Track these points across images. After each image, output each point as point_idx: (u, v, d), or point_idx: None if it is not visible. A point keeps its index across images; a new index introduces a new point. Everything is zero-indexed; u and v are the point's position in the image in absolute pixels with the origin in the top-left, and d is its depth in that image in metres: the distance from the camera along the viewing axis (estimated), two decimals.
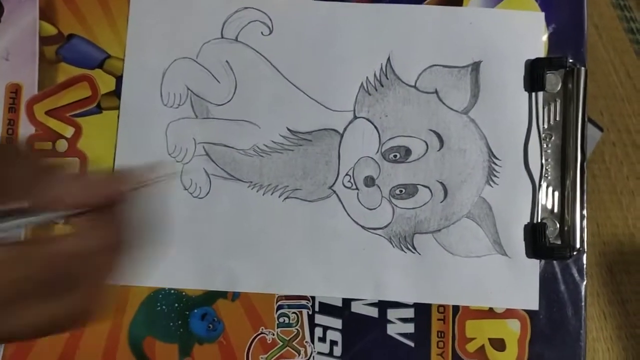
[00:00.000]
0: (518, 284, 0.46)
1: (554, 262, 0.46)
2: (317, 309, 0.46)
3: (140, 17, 0.49)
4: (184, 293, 0.46)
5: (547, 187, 0.47)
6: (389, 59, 0.48)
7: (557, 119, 0.47)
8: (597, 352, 0.78)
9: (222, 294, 0.46)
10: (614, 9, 0.88)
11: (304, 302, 0.46)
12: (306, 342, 0.46)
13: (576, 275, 0.47)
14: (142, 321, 0.46)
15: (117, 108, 0.48)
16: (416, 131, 0.47)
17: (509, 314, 0.46)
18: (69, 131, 0.48)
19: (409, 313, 0.46)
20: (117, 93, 0.48)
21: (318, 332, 0.46)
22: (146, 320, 0.46)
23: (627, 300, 0.79)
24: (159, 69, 0.48)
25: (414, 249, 0.47)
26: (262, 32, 0.48)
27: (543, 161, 0.47)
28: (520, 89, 0.47)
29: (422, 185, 0.47)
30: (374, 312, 0.46)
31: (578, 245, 0.46)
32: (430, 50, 0.48)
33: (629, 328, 0.79)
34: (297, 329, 0.46)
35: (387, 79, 0.48)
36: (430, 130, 0.47)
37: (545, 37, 0.48)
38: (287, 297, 0.46)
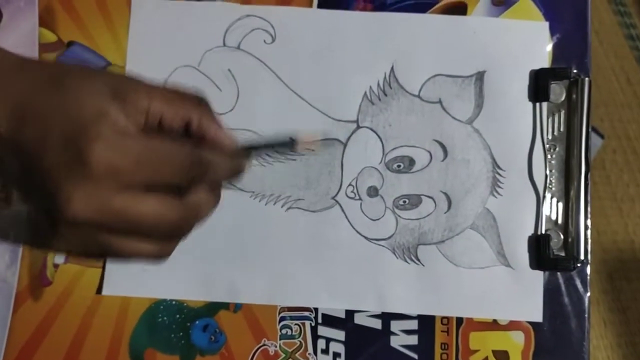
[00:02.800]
0: (522, 296, 0.46)
1: (558, 273, 0.46)
2: (320, 320, 0.46)
3: (141, 24, 0.48)
4: (185, 304, 0.46)
5: (551, 198, 0.47)
6: (392, 68, 0.48)
7: (561, 129, 0.47)
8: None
9: (224, 305, 0.46)
10: (615, 15, 0.88)
11: (306, 313, 0.46)
12: (309, 354, 0.46)
13: (580, 286, 0.46)
14: (143, 333, 0.46)
15: None
16: (420, 141, 0.47)
17: (513, 325, 0.46)
18: None
19: (413, 325, 0.46)
20: None
21: (321, 343, 0.46)
22: (147, 332, 0.46)
23: (627, 308, 0.79)
24: (160, 77, 0.48)
25: (418, 260, 0.46)
26: (264, 41, 0.48)
27: (547, 172, 0.47)
28: (524, 99, 0.47)
29: (426, 196, 0.47)
30: (377, 324, 0.46)
31: (582, 257, 0.45)
32: (434, 60, 0.48)
33: (629, 336, 0.79)
34: (299, 341, 0.46)
35: (391, 88, 0.47)
36: (434, 140, 0.47)
37: (549, 47, 0.48)
38: (290, 309, 0.46)
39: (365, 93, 0.47)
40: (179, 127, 0.35)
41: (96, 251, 0.33)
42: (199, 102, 0.35)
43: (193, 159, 0.33)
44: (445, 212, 0.47)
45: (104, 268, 0.46)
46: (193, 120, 0.35)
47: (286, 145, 0.36)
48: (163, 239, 0.34)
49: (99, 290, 0.46)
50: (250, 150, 0.37)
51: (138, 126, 0.33)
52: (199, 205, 0.35)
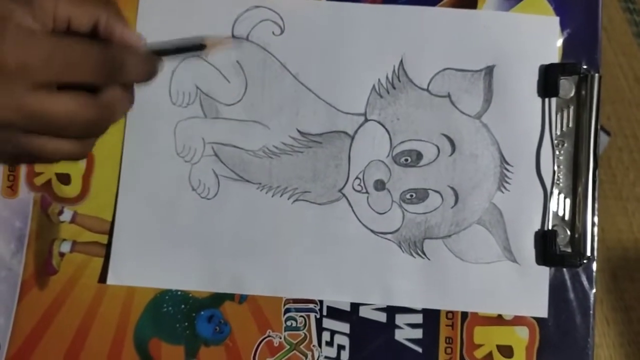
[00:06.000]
0: (527, 291, 0.46)
1: (564, 269, 0.46)
2: (325, 312, 0.46)
3: (149, 14, 0.48)
4: (190, 295, 0.46)
5: (559, 194, 0.47)
6: (401, 61, 0.47)
7: (570, 125, 0.47)
8: (599, 358, 0.78)
9: (229, 296, 0.46)
10: (624, 12, 0.88)
11: (311, 305, 0.46)
12: (313, 346, 0.46)
13: (585, 283, 0.46)
14: (148, 322, 0.46)
15: None
16: (428, 135, 0.47)
17: (518, 321, 0.46)
18: None
19: (417, 319, 0.46)
20: None
21: (325, 336, 0.46)
22: (152, 322, 0.46)
23: (630, 307, 0.79)
24: (167, 68, 0.47)
25: (424, 254, 0.46)
26: (273, 32, 0.48)
27: (555, 168, 0.46)
28: (533, 95, 0.47)
29: (433, 190, 0.47)
30: (382, 317, 0.46)
31: (588, 253, 0.45)
32: (444, 54, 0.47)
33: (632, 335, 0.78)
34: (304, 333, 0.46)
35: (400, 81, 0.47)
36: (442, 134, 0.47)
37: (559, 43, 0.48)
38: (295, 301, 0.46)
39: (374, 86, 0.47)
40: (87, 29, 0.34)
41: (15, 153, 0.33)
42: (106, 2, 0.35)
43: (105, 57, 0.33)
44: (452, 207, 0.47)
45: (108, 258, 0.46)
46: (101, 21, 0.34)
47: (196, 48, 0.37)
48: (79, 138, 0.34)
49: (105, 279, 0.46)
50: (160, 52, 0.37)
51: (46, 29, 0.33)
52: (113, 103, 0.34)
